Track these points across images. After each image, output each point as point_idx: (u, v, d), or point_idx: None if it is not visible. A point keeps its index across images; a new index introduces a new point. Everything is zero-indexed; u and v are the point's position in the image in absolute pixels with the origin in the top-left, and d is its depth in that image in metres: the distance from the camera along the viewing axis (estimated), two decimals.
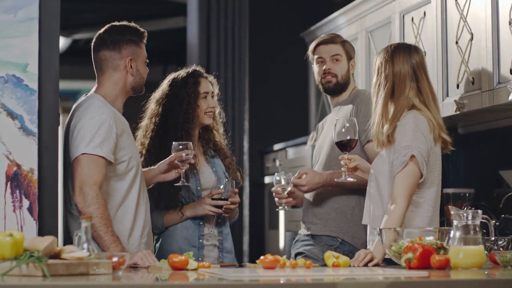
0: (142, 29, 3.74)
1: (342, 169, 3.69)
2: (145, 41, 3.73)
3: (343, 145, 3.67)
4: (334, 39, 4.21)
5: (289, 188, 4.03)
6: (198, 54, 6.65)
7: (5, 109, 3.36)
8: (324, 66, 4.16)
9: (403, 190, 3.43)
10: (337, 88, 4.17)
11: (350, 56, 4.20)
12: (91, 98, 3.62)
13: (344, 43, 4.21)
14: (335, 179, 3.84)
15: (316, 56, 4.21)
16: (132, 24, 3.74)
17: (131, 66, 3.65)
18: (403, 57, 3.58)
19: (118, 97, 3.66)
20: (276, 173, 4.05)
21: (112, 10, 8.54)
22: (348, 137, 3.64)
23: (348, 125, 3.65)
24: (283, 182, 4.02)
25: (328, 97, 4.27)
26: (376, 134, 3.57)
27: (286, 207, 4.06)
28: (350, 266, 3.29)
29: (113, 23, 3.73)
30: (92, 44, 3.71)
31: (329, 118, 4.29)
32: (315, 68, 4.22)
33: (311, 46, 4.24)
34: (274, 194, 4.07)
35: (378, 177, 3.57)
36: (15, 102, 3.36)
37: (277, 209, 4.12)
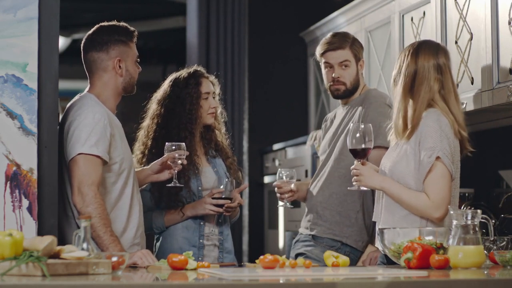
0: (131, 28, 3.69)
1: (354, 177, 3.54)
2: (135, 40, 3.68)
3: (357, 153, 3.50)
4: (342, 44, 4.10)
5: (292, 185, 4.03)
6: (197, 54, 6.65)
7: (5, 109, 3.35)
8: (333, 74, 4.10)
9: (445, 195, 3.41)
10: (346, 94, 4.14)
11: (358, 58, 4.13)
12: (84, 97, 3.61)
13: (353, 45, 4.12)
14: (348, 188, 3.69)
15: (324, 60, 4.14)
16: (121, 23, 3.69)
17: (119, 66, 3.62)
18: (431, 52, 3.56)
19: (110, 97, 3.64)
20: (280, 169, 4.05)
21: (112, 10, 8.52)
22: (363, 146, 3.48)
23: (364, 133, 3.48)
24: (284, 178, 4.03)
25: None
26: (395, 126, 3.53)
27: (288, 203, 4.05)
28: (349, 266, 3.29)
29: (102, 24, 3.69)
30: (82, 45, 3.68)
31: (338, 113, 4.24)
32: (323, 71, 4.16)
33: (319, 50, 4.15)
34: (276, 189, 4.06)
35: (404, 177, 3.47)
36: (14, 101, 3.36)
37: (278, 205, 4.12)
